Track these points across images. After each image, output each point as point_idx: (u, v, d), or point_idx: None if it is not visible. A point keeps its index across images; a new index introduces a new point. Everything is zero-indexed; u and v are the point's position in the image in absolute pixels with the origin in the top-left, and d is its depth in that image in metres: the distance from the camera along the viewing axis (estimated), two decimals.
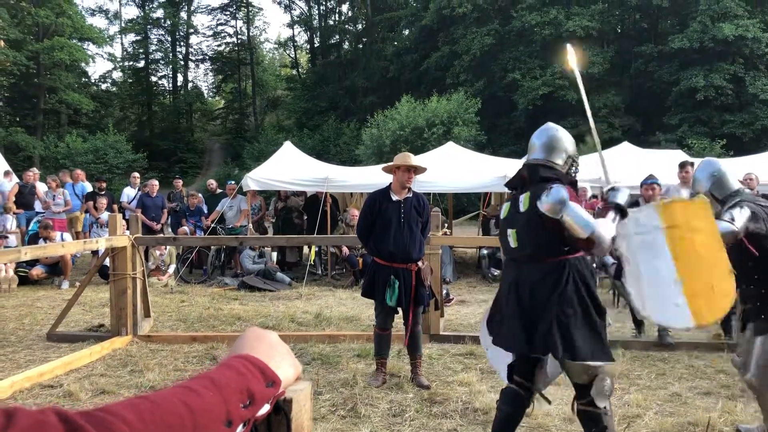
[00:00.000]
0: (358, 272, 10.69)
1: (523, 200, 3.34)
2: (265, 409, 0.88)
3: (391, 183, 5.19)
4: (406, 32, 40.60)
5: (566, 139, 3.51)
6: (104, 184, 12.15)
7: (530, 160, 3.49)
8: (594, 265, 9.95)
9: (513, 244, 3.40)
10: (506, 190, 11.91)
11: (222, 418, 0.80)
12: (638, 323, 6.85)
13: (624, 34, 34.76)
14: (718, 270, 3.05)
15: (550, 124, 3.62)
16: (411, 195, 5.12)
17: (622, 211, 3.21)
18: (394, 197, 5.09)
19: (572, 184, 3.39)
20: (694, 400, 4.61)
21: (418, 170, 5.15)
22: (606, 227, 3.09)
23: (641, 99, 30.76)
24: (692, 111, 27.83)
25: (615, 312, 8.38)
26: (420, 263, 5.07)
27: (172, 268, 10.70)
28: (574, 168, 3.50)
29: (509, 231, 3.43)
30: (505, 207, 3.57)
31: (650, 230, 3.11)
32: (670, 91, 28.66)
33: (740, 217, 3.54)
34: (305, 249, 12.42)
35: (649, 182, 7.10)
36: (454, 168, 11.97)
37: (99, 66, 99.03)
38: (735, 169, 8.14)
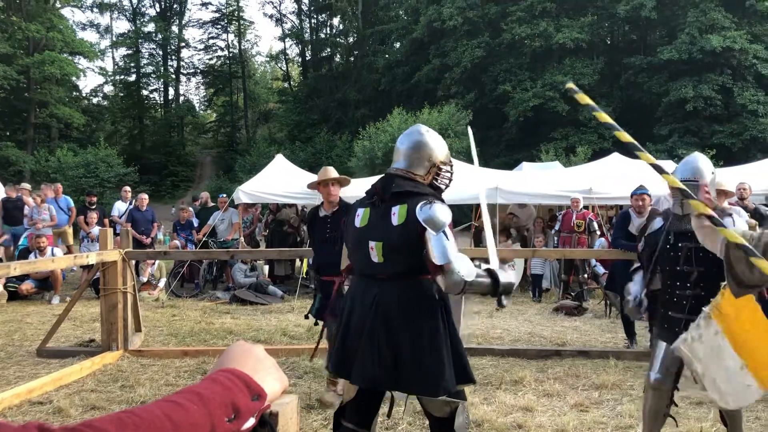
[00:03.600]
0: None
1: (398, 212, 2.91)
2: (251, 422, 0.88)
3: (322, 203, 5.24)
4: (397, 45, 40.79)
5: (433, 144, 3.09)
6: (95, 199, 12.09)
7: (390, 170, 3.13)
8: (587, 275, 10.02)
9: (377, 258, 2.94)
10: (500, 201, 11.81)
11: (206, 428, 0.80)
12: (630, 334, 6.86)
13: (613, 45, 35.05)
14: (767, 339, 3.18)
15: (418, 127, 3.21)
16: (339, 210, 5.03)
17: (494, 284, 2.90)
18: (322, 212, 5.13)
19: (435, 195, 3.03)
20: (686, 410, 4.60)
21: (342, 182, 5.17)
22: (466, 266, 2.80)
23: (631, 110, 30.97)
24: (682, 121, 28.04)
25: (608, 322, 8.40)
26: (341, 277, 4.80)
27: (162, 282, 10.65)
28: (440, 176, 3.11)
29: (372, 243, 2.95)
30: (363, 213, 3.06)
31: (712, 338, 3.14)
32: (660, 101, 28.89)
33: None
34: (297, 262, 12.39)
35: (639, 192, 7.14)
36: None
37: (90, 80, 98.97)
38: (727, 178, 8.22)
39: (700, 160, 3.76)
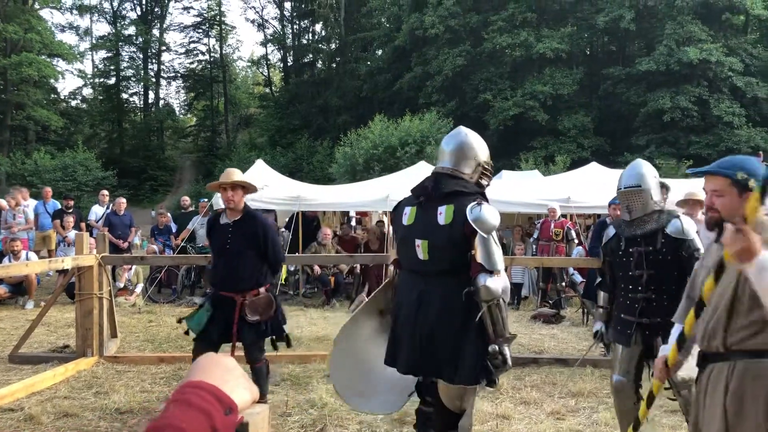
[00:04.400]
0: (330, 291, 10.64)
1: (445, 213, 3.05)
2: None
3: (226, 208, 4.64)
4: (380, 52, 40.88)
5: (477, 145, 3.29)
6: (72, 202, 11.94)
7: (437, 169, 3.28)
8: (564, 284, 10.09)
9: (422, 256, 3.10)
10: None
11: None
12: (606, 343, 6.90)
13: (593, 56, 35.45)
14: None
15: (460, 129, 3.38)
16: (242, 218, 4.51)
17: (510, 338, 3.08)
18: (223, 220, 4.57)
19: (482, 194, 3.20)
20: (661, 418, 4.65)
21: (248, 188, 4.58)
22: (504, 282, 2.98)
23: (609, 120, 31.32)
24: (659, 132, 28.41)
25: (585, 330, 8.45)
26: (251, 295, 4.41)
27: (139, 288, 10.54)
28: (485, 176, 3.31)
29: (418, 241, 3.11)
30: (410, 213, 3.21)
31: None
32: (638, 112, 29.24)
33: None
34: None
35: (617, 202, 7.20)
36: None
37: (69, 82, 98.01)
38: (701, 188, 8.29)
39: (644, 166, 3.87)
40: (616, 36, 32.94)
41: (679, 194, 7.77)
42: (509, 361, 3.03)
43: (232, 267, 4.40)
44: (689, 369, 3.17)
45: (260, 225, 4.51)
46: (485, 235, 2.95)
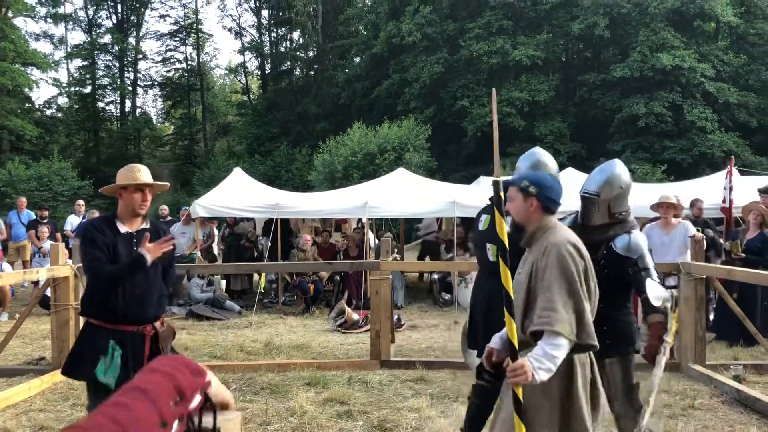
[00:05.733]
0: (309, 299, 10.63)
1: (510, 220, 3.37)
2: (197, 400, 0.89)
3: (116, 210, 3.70)
4: (357, 60, 40.95)
5: (549, 163, 3.86)
6: (47, 213, 11.83)
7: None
8: None
9: (493, 258, 3.76)
10: (458, 214, 11.91)
11: (156, 422, 0.81)
12: None
13: (568, 63, 35.82)
14: None
15: (536, 149, 4.00)
16: (148, 226, 3.68)
17: None
18: (123, 228, 3.58)
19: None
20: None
21: (155, 188, 3.75)
22: None
23: (585, 126, 31.64)
24: (634, 137, 28.75)
25: None
26: (158, 324, 3.64)
27: None
28: None
29: (489, 246, 3.78)
30: (485, 220, 3.86)
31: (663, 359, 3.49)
32: (613, 118, 29.58)
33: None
34: (255, 276, 12.29)
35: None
36: (406, 193, 12.08)
37: (44, 91, 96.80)
38: (677, 193, 8.47)
39: (614, 172, 3.68)
40: (590, 43, 33.33)
41: (653, 198, 7.91)
42: None
43: (138, 289, 3.48)
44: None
45: (165, 234, 3.72)
46: None
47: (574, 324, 2.58)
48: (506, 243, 2.67)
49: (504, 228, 2.72)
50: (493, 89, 4.38)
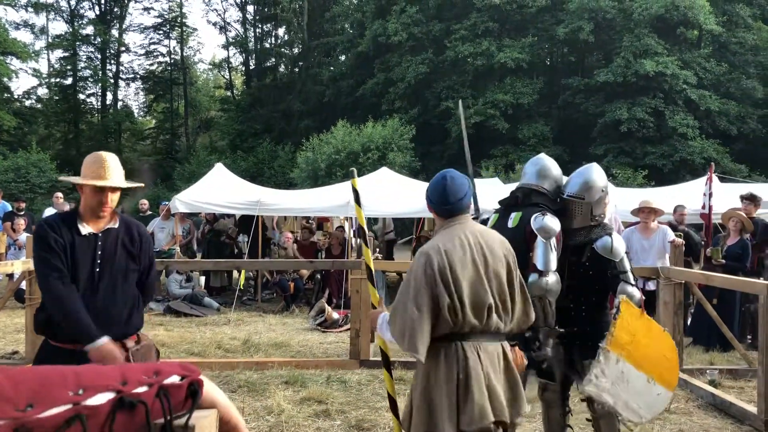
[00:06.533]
0: (289, 297, 10.57)
1: (514, 218, 3.68)
2: (174, 378, 0.90)
3: (78, 206, 3.14)
4: (343, 58, 40.87)
5: (554, 168, 3.94)
6: (23, 204, 11.66)
7: (523, 184, 3.87)
8: None
9: None
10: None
11: (117, 379, 0.83)
12: None
13: (553, 66, 36.05)
14: (664, 344, 3.42)
15: (542, 155, 4.16)
16: (117, 225, 3.10)
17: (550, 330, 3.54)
18: (85, 228, 3.01)
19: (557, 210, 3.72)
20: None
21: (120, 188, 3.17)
22: (554, 282, 3.44)
23: (568, 129, 31.85)
24: (616, 142, 28.99)
25: None
26: (131, 342, 3.08)
27: None
28: (559, 192, 3.86)
29: None
30: (493, 218, 3.89)
31: (614, 368, 3.27)
32: (596, 122, 29.80)
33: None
34: (234, 273, 12.20)
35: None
36: (389, 193, 12.05)
37: (23, 81, 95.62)
38: (658, 198, 8.52)
39: (594, 175, 3.79)
40: (575, 47, 33.56)
41: (634, 203, 7.97)
42: (545, 349, 3.46)
43: (104, 301, 2.98)
44: (603, 390, 3.25)
45: (141, 236, 3.19)
46: (544, 240, 3.45)
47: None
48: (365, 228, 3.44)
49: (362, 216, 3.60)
50: (459, 101, 4.75)
